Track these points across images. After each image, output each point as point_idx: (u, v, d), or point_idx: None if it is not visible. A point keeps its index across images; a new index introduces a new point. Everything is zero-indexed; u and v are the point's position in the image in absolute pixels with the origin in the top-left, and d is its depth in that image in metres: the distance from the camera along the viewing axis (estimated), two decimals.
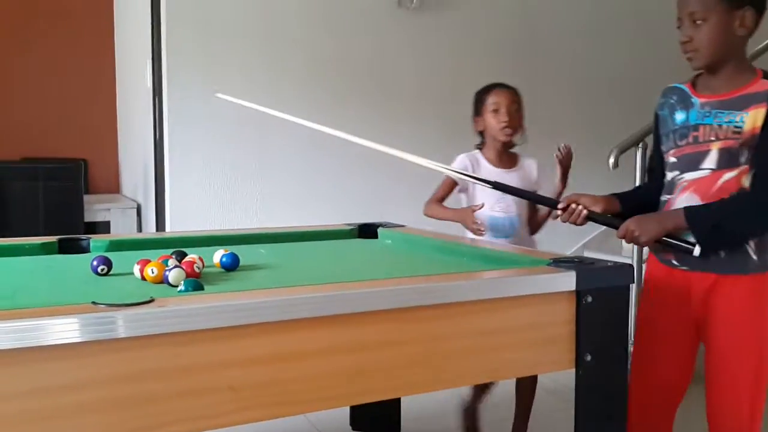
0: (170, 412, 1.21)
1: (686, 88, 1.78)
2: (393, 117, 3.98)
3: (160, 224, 3.77)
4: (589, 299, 1.54)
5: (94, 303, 1.19)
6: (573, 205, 1.80)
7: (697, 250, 1.65)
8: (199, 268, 1.66)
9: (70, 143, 5.23)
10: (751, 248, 1.68)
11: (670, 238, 1.70)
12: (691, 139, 1.71)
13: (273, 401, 1.29)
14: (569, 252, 4.36)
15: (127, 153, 5.14)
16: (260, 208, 3.66)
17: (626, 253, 3.87)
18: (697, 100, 1.73)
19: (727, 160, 1.66)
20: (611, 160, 3.44)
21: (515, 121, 2.43)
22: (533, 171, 2.48)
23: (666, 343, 1.81)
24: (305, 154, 3.79)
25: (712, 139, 1.67)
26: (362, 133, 2.03)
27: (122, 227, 4.27)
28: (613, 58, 4.64)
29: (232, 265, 1.79)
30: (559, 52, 4.50)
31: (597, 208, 1.81)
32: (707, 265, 1.70)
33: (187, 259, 1.70)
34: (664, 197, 1.79)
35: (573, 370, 1.57)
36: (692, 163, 1.71)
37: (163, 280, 1.57)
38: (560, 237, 4.48)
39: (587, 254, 4.44)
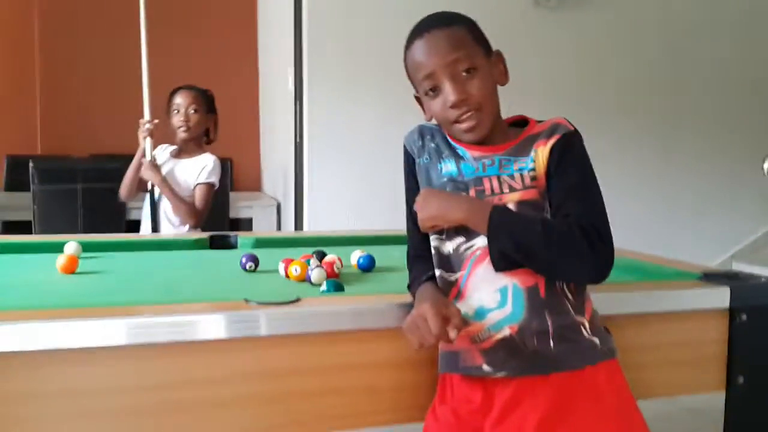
0: (311, 410, 1.25)
1: (445, 134, 1.27)
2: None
3: (298, 223, 3.93)
4: (744, 318, 1.45)
5: (246, 300, 1.26)
6: (421, 324, 1.12)
7: None
8: (338, 269, 1.72)
9: (217, 143, 5.55)
10: (586, 330, 1.20)
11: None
12: (473, 195, 1.21)
13: (408, 405, 1.30)
14: (715, 263, 4.10)
15: (269, 153, 5.38)
16: (394, 211, 3.71)
17: None
18: (466, 152, 1.23)
19: None
20: (766, 166, 3.21)
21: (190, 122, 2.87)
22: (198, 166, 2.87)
23: None
24: None
25: (506, 191, 1.19)
26: None
27: (263, 224, 4.48)
28: (761, 57, 4.32)
29: (368, 266, 1.84)
30: (702, 51, 4.25)
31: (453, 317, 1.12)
32: (530, 363, 1.16)
33: (327, 259, 1.77)
34: (448, 276, 1.23)
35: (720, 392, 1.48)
36: None
37: (305, 279, 1.63)
38: (706, 246, 4.24)
39: (736, 266, 4.16)
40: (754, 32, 4.32)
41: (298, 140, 3.93)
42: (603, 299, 1.29)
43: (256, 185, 5.68)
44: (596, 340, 1.20)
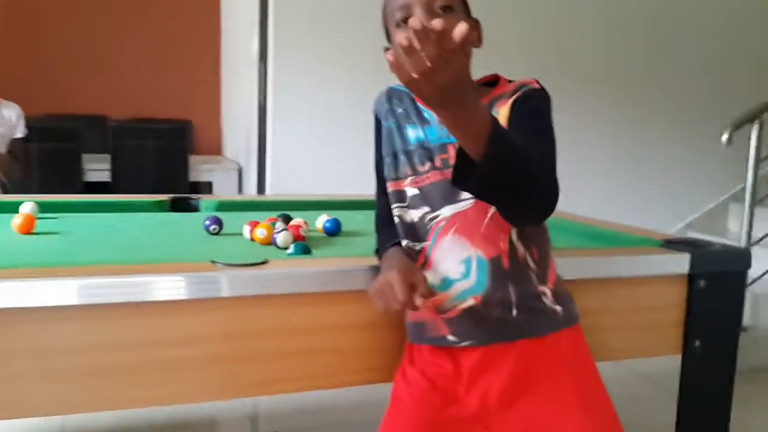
0: (279, 370, 1.25)
1: (413, 96, 1.12)
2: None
3: (260, 187, 3.88)
4: (702, 284, 1.48)
5: (212, 262, 1.24)
6: (387, 290, 1.10)
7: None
8: (304, 232, 1.71)
9: (175, 105, 5.44)
10: (548, 299, 1.21)
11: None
12: (438, 163, 1.19)
13: (374, 366, 1.32)
14: (671, 232, 4.20)
15: (230, 116, 5.29)
16: (357, 176, 3.70)
17: (733, 237, 3.70)
18: (432, 115, 1.20)
19: None
20: (724, 137, 3.27)
21: None
22: (12, 117, 2.82)
23: None
24: None
25: None
26: None
27: (224, 188, 4.42)
28: (740, 35, 4.41)
29: (334, 230, 1.83)
30: (685, 24, 4.31)
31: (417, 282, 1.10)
32: (491, 331, 1.18)
33: (293, 222, 1.75)
34: (413, 245, 1.22)
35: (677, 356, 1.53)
36: (446, 194, 1.17)
37: (271, 242, 1.61)
38: (664, 215, 4.33)
39: (690, 235, 4.27)
40: (733, 16, 4.38)
41: (262, 103, 3.86)
42: (568, 264, 1.31)
43: (216, 148, 5.59)
44: (558, 308, 1.21)
